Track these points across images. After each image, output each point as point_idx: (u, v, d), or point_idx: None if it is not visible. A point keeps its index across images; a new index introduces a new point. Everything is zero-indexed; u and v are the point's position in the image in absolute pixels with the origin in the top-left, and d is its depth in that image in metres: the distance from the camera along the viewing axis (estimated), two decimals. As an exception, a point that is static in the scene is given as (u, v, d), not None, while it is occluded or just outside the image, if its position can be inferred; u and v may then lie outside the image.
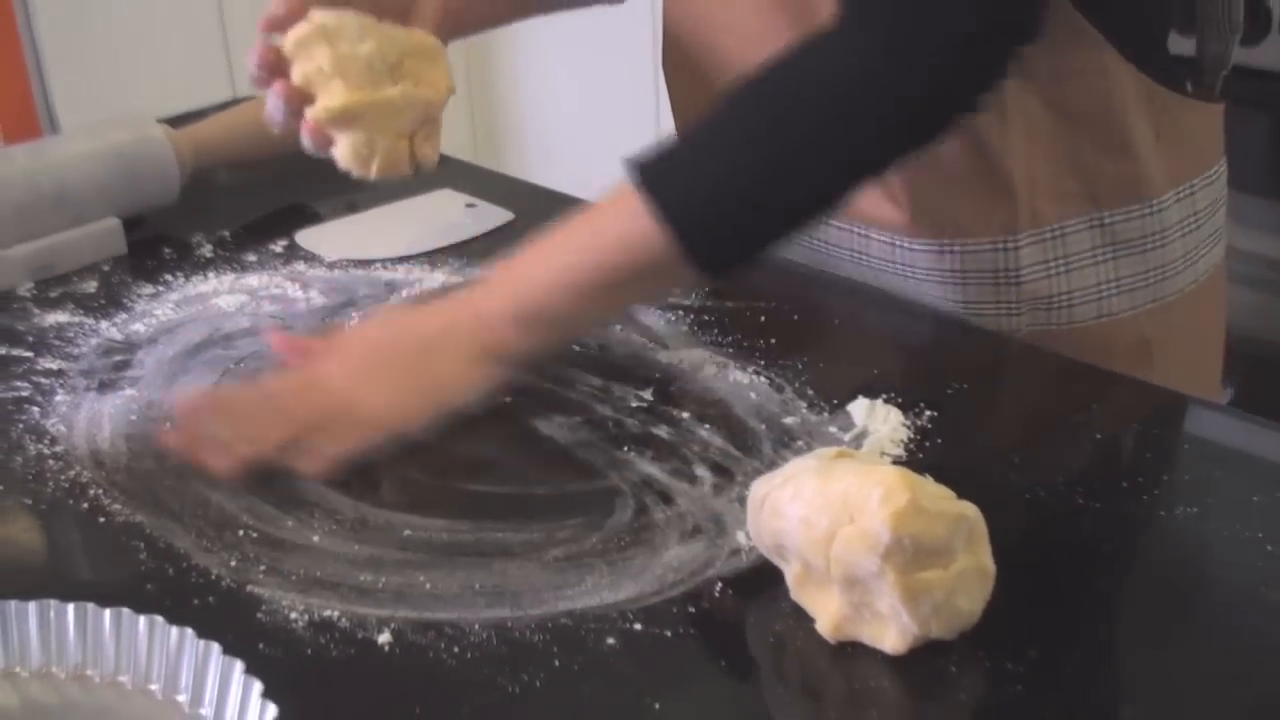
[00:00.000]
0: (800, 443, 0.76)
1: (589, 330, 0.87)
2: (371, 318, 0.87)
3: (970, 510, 0.61)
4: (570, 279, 0.79)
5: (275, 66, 0.87)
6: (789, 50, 0.77)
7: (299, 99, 0.86)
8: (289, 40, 0.86)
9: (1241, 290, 2.17)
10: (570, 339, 0.86)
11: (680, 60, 1.00)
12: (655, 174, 0.77)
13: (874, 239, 0.94)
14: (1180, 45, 0.96)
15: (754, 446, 0.76)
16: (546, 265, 0.80)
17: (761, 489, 0.64)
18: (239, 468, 0.74)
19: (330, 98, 0.85)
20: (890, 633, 0.60)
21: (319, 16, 0.85)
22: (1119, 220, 0.91)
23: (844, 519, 0.59)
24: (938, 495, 0.60)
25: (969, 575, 0.60)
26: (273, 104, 0.87)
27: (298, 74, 0.86)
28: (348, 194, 1.17)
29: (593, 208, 0.81)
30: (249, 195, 1.15)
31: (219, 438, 0.76)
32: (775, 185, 0.76)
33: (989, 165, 0.88)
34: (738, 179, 0.76)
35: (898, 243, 0.93)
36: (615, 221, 0.78)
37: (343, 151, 0.87)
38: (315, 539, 0.69)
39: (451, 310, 0.82)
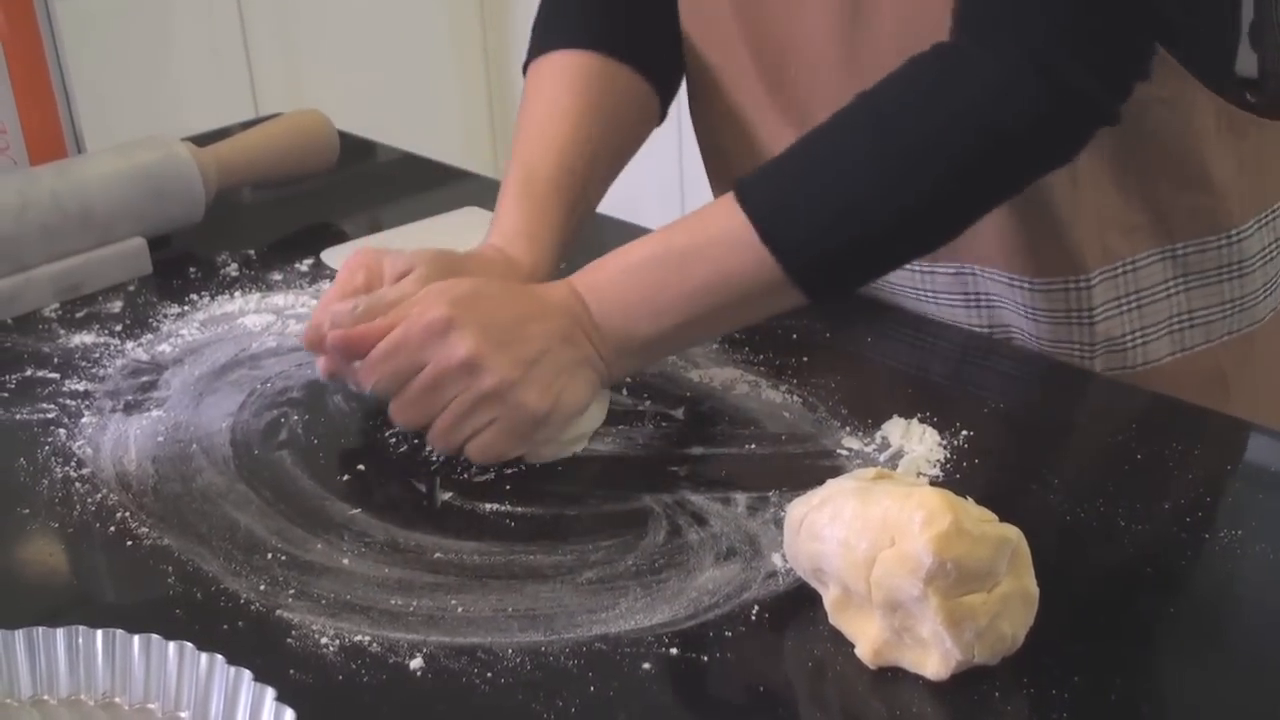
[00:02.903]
0: (836, 463, 0.75)
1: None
2: (466, 290, 0.77)
3: (1013, 533, 0.59)
4: (683, 313, 0.77)
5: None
6: (907, 71, 0.76)
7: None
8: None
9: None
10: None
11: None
12: (768, 204, 0.76)
13: (939, 274, 0.91)
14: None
15: (789, 467, 0.75)
16: (658, 297, 0.77)
17: (799, 511, 0.63)
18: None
19: None
20: (932, 658, 0.59)
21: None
22: (1192, 251, 0.89)
23: (884, 542, 0.58)
24: (980, 517, 0.59)
25: (1012, 599, 0.59)
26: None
27: None
28: (372, 212, 1.17)
29: (699, 229, 0.79)
30: (274, 214, 1.15)
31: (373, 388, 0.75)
32: (895, 213, 0.76)
33: (1059, 201, 0.86)
34: (854, 208, 0.75)
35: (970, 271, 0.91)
36: (729, 254, 0.76)
37: None
38: (345, 562, 0.68)
39: (566, 322, 0.77)
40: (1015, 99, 0.74)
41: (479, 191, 1.16)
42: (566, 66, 0.93)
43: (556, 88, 0.92)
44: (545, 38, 0.95)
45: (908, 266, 0.90)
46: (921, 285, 0.92)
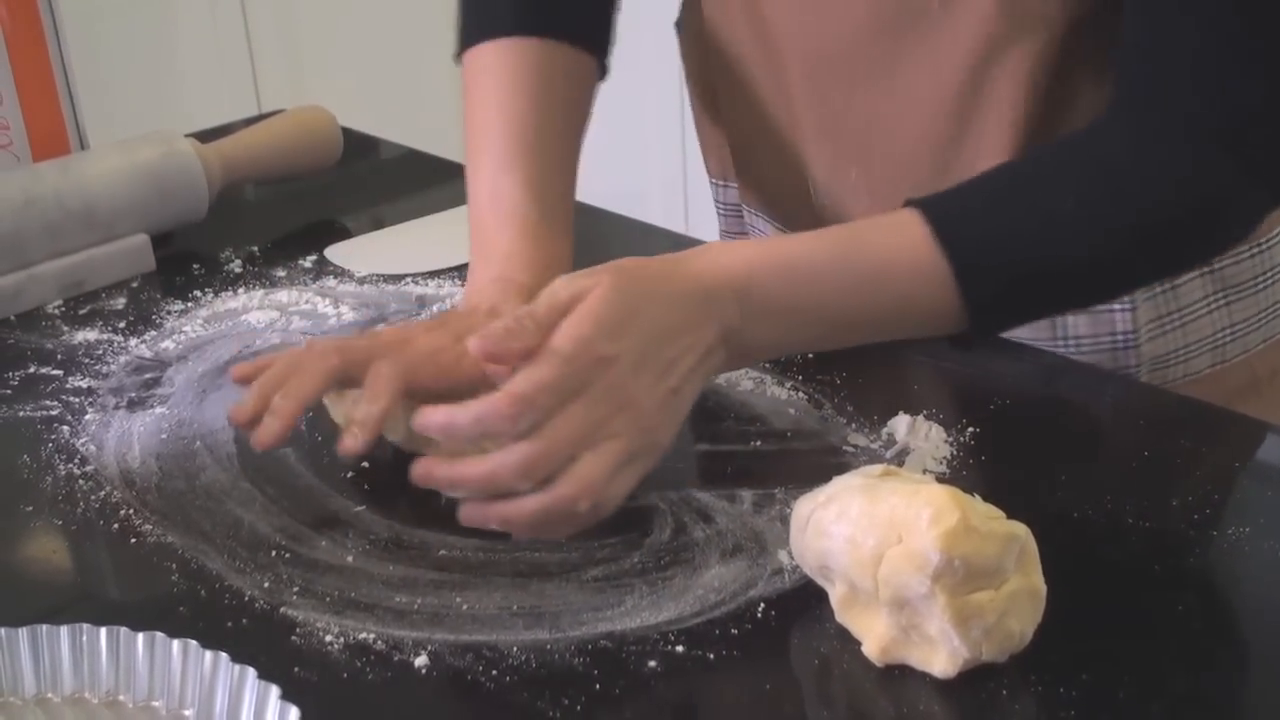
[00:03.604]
0: (842, 460, 0.75)
1: None
2: (628, 287, 0.66)
3: (1021, 530, 0.59)
4: (833, 331, 0.74)
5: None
6: (1104, 132, 0.76)
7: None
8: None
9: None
10: None
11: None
12: (969, 246, 0.73)
13: None
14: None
15: (794, 464, 0.75)
16: (821, 313, 0.72)
17: (805, 508, 0.63)
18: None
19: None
20: (940, 656, 0.58)
21: None
22: (1229, 265, 0.89)
23: (892, 539, 0.58)
24: (987, 515, 0.59)
25: (1020, 596, 0.59)
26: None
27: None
28: (375, 208, 1.16)
29: (881, 249, 0.74)
30: (277, 210, 1.15)
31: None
32: (1081, 280, 0.76)
33: None
34: (1049, 273, 0.74)
35: None
36: (911, 286, 0.73)
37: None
38: (349, 559, 0.68)
39: (716, 331, 0.68)
40: (1208, 180, 0.75)
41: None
42: (507, 64, 0.88)
43: (503, 91, 0.87)
44: (477, 25, 0.91)
45: None
46: None
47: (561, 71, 0.90)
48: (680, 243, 0.95)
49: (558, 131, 0.88)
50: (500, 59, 0.89)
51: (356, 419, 0.67)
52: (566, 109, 0.89)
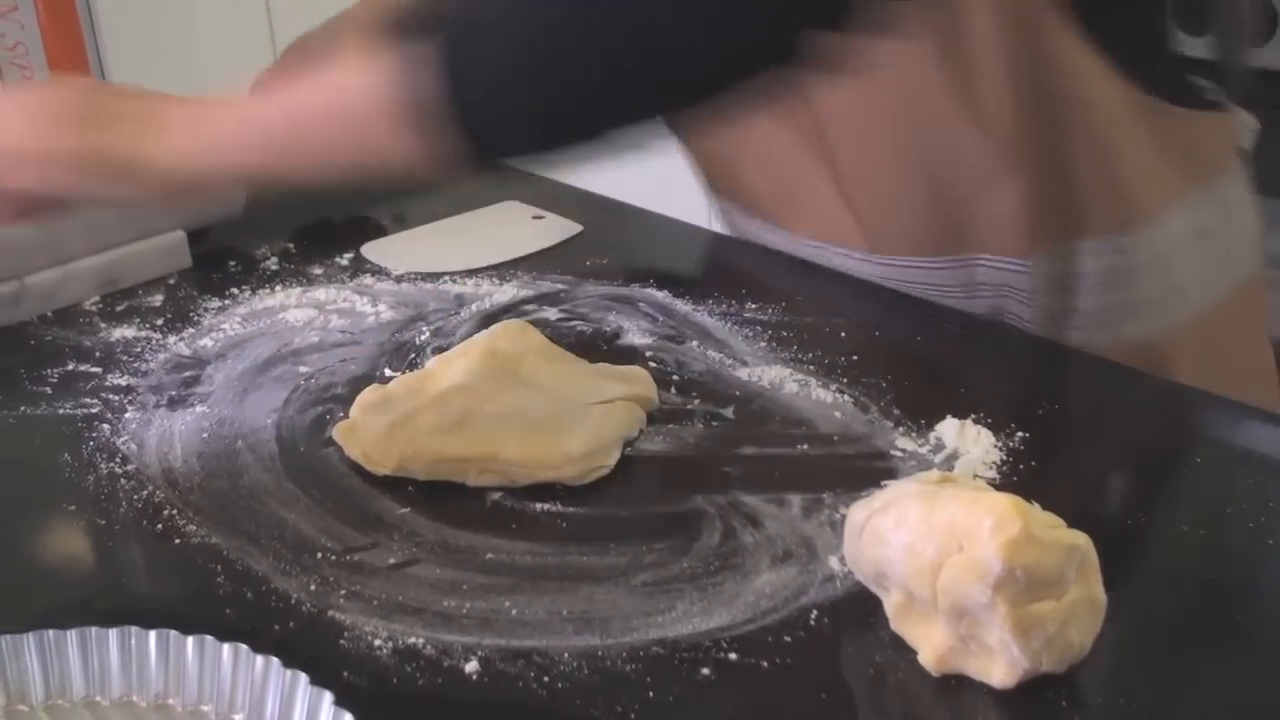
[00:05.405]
0: (890, 464, 0.74)
1: None
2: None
3: (1082, 539, 0.58)
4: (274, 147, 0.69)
5: None
6: None
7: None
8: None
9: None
10: None
11: None
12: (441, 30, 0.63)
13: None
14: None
15: (842, 468, 0.74)
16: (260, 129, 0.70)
17: (860, 514, 0.62)
18: None
19: None
20: (999, 666, 0.58)
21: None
22: (1106, 252, 0.89)
23: (952, 548, 0.57)
24: (1049, 523, 0.58)
25: (1080, 606, 0.58)
26: None
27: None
28: (408, 205, 1.16)
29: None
30: (311, 207, 1.14)
31: None
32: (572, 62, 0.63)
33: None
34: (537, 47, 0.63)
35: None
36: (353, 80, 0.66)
37: None
38: (395, 561, 0.68)
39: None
40: None
41: (517, 185, 1.15)
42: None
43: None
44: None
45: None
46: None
47: None
48: (696, 236, 0.95)
49: None
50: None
51: None
52: None
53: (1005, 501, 0.57)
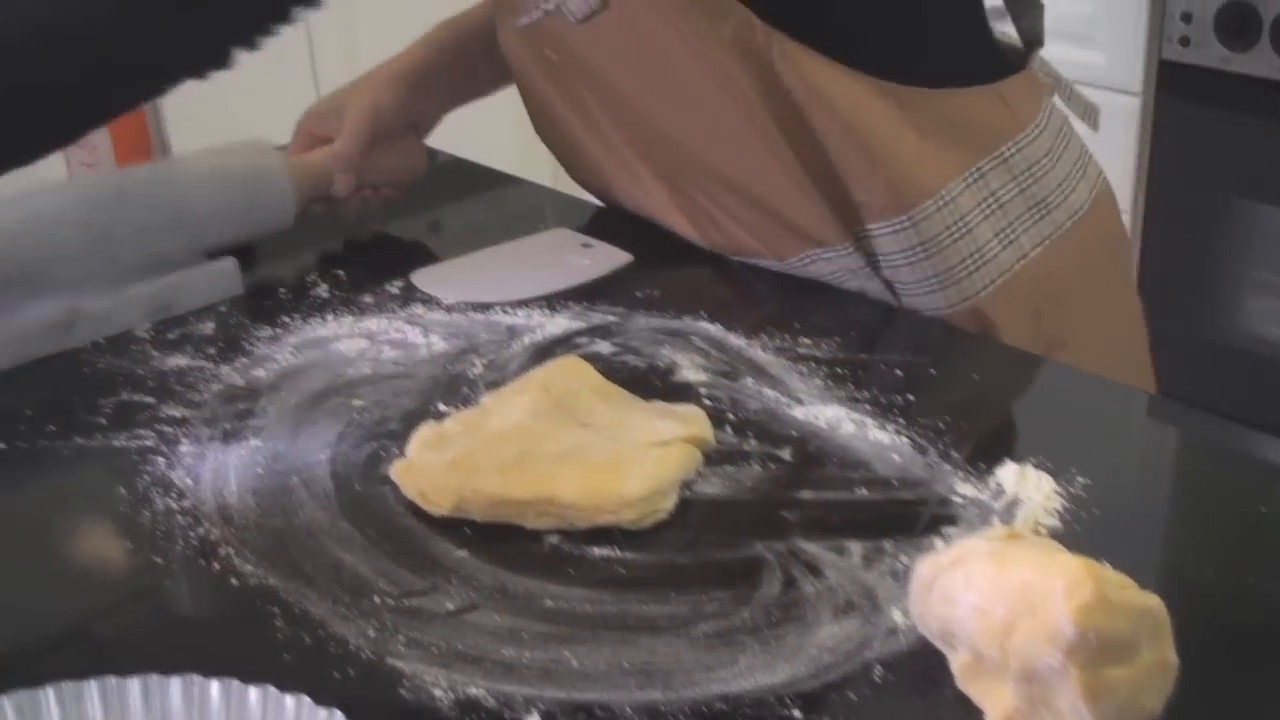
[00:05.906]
0: (950, 511, 0.73)
1: None
2: None
3: (1154, 602, 0.57)
4: None
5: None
6: None
7: None
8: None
9: (1270, 300, 2.19)
10: None
11: None
12: None
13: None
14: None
15: (902, 514, 0.73)
16: None
17: (928, 570, 0.61)
18: None
19: None
20: (1069, 730, 0.57)
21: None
22: (890, 232, 0.94)
23: (1023, 610, 0.56)
24: (1120, 585, 0.57)
25: (1152, 670, 0.57)
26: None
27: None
28: (456, 230, 1.16)
29: None
30: (357, 229, 1.14)
31: None
32: None
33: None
34: None
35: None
36: None
37: None
38: (454, 607, 0.67)
39: None
40: None
41: (569, 212, 1.14)
42: None
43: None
44: None
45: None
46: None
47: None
48: (743, 264, 0.94)
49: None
50: None
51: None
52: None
53: (1077, 564, 0.56)
